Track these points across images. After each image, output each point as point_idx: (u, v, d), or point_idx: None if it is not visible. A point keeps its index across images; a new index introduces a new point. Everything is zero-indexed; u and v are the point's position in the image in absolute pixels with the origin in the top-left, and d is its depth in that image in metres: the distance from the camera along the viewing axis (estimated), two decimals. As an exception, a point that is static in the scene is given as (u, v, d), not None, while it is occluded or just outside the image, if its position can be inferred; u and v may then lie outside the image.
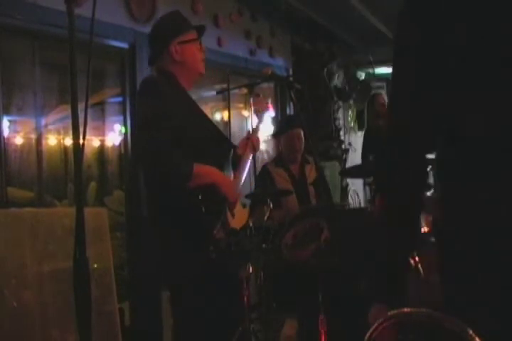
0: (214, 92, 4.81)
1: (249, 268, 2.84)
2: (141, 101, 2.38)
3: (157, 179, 2.33)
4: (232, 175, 2.65)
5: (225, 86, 5.03)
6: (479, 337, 1.08)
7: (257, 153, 5.31)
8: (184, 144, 2.28)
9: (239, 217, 2.52)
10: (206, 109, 4.85)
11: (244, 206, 2.72)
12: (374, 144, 5.59)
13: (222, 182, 2.35)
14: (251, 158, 2.77)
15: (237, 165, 2.66)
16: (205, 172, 2.31)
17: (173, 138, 2.23)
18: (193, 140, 2.35)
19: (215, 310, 2.36)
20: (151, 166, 2.27)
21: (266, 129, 5.98)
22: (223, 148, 2.55)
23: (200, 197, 2.28)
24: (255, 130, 2.88)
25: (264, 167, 4.21)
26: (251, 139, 2.76)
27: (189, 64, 2.49)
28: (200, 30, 2.59)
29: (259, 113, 2.92)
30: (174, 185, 2.29)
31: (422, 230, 3.04)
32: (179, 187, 2.27)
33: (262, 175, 4.11)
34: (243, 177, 2.69)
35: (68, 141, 4.12)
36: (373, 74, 7.21)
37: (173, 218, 2.31)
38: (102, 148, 4.31)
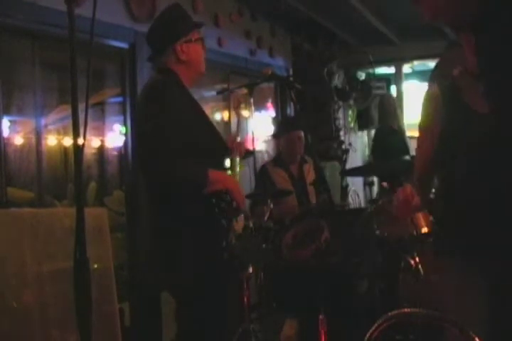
0: (214, 92, 4.82)
1: (249, 268, 2.85)
2: (146, 109, 2.34)
3: (170, 188, 2.31)
4: None
5: (225, 86, 5.04)
6: (479, 337, 1.08)
7: (257, 153, 5.32)
8: (189, 150, 2.28)
9: (239, 221, 2.54)
10: (206, 109, 4.84)
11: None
12: (384, 143, 5.71)
13: (234, 188, 2.36)
14: (238, 160, 2.75)
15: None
16: (218, 178, 2.32)
17: (182, 145, 2.24)
18: (196, 145, 2.34)
19: (219, 311, 2.36)
20: (163, 176, 2.25)
21: (266, 129, 5.99)
22: (223, 152, 2.55)
23: (214, 202, 2.30)
24: (236, 133, 2.85)
25: (263, 167, 4.21)
26: (234, 144, 2.72)
27: (194, 63, 2.47)
28: (200, 26, 2.58)
29: (237, 109, 2.88)
30: (190, 193, 2.29)
31: (422, 230, 3.04)
32: (195, 194, 2.28)
33: (261, 175, 4.10)
34: None
35: (68, 141, 4.12)
36: (373, 74, 7.21)
37: (185, 224, 2.30)
38: (102, 148, 4.31)
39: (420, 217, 2.72)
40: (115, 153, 4.28)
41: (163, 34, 2.44)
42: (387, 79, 7.66)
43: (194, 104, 2.47)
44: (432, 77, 1.66)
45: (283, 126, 4.55)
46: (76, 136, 1.38)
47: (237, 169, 2.67)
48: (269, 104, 6.08)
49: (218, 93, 4.74)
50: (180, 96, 2.39)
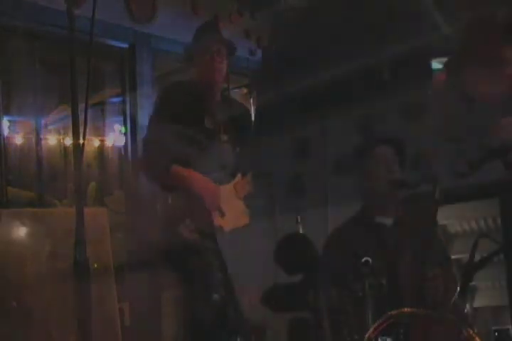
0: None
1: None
2: (155, 104, 2.64)
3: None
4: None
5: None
6: (479, 337, 1.08)
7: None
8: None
9: (235, 218, 2.55)
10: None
11: (248, 207, 2.73)
12: None
13: (200, 188, 2.43)
14: None
15: None
16: (183, 174, 2.42)
17: (168, 140, 2.39)
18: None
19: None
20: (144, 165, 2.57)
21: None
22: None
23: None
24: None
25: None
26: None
27: (213, 74, 2.69)
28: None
29: None
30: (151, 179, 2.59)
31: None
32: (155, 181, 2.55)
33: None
34: None
35: (68, 141, 4.12)
36: (373, 74, 7.22)
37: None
38: (102, 148, 4.31)
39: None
40: (115, 153, 4.28)
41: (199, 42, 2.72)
42: (387, 79, 7.66)
43: (202, 110, 2.63)
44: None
45: None
46: (76, 136, 1.38)
47: None
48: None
49: (218, 93, 4.73)
50: (192, 99, 2.59)
